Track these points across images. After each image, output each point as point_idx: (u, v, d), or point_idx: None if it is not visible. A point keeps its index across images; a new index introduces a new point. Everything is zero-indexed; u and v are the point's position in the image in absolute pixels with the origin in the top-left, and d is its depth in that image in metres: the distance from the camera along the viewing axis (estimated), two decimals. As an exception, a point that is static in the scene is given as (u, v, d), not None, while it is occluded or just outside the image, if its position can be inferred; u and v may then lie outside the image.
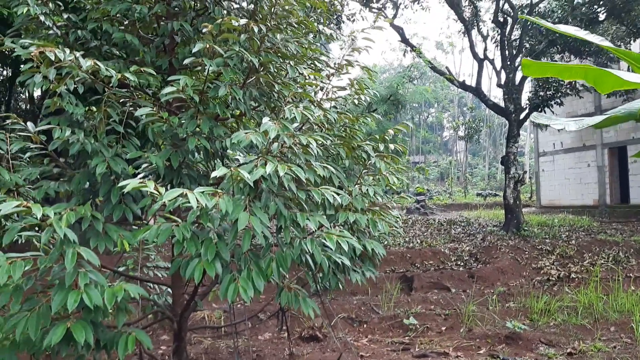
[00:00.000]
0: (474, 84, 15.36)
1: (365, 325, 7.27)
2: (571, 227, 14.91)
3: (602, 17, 13.82)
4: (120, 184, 2.47)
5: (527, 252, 11.51)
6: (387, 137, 3.73)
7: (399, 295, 8.62)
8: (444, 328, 7.10)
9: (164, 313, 3.90)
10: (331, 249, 2.80)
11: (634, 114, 2.71)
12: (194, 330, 6.36)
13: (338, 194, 2.98)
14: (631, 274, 10.07)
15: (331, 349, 6.05)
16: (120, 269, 4.56)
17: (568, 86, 13.99)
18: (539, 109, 13.66)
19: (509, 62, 14.53)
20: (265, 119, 2.81)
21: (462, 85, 15.51)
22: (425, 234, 14.00)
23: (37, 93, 13.97)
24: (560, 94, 13.73)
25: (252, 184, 2.63)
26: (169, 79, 3.19)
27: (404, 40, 16.47)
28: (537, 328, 7.14)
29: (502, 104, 14.96)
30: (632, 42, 14.82)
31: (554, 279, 9.82)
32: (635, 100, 2.70)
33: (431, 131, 48.61)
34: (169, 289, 4.25)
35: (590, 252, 11.42)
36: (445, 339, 6.65)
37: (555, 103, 13.82)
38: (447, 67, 16.39)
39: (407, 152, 3.92)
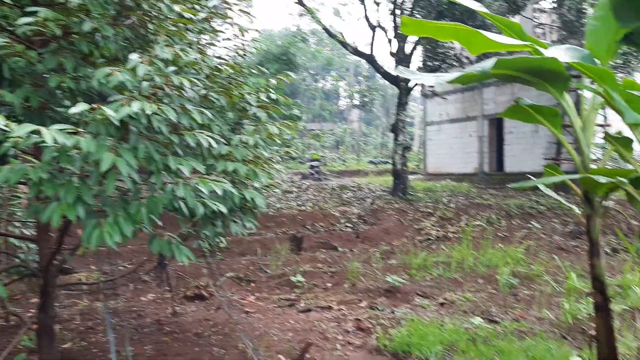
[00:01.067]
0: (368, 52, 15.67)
1: (253, 284, 7.31)
2: (452, 193, 15.90)
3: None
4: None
5: (411, 215, 12.13)
6: (269, 87, 3.68)
7: (289, 255, 8.74)
8: (329, 285, 7.32)
9: (27, 267, 3.62)
10: (206, 194, 2.72)
11: (487, 72, 2.87)
12: (70, 291, 6.03)
13: (216, 141, 2.90)
14: (500, 234, 10.99)
15: (216, 306, 6.01)
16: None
17: (454, 58, 14.72)
18: (427, 79, 14.23)
19: (400, 31, 14.95)
20: (133, 55, 2.64)
21: (356, 52, 15.77)
22: (317, 197, 14.27)
23: None
24: (446, 64, 14.42)
25: (118, 124, 2.47)
26: (28, 9, 2.88)
27: (299, 1, 16.35)
28: (414, 282, 7.59)
29: (394, 72, 15.41)
30: (511, 17, 15.84)
31: (433, 238, 10.47)
32: (489, 59, 2.85)
33: (328, 99, 49.32)
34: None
35: (467, 215, 12.27)
36: (330, 294, 6.86)
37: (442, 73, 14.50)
38: (341, 33, 16.53)
39: (289, 102, 3.89)
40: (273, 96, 3.65)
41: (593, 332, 3.97)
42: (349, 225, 11.26)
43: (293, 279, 7.26)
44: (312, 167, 21.58)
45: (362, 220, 11.72)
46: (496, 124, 20.50)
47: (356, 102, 32.68)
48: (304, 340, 4.60)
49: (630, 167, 3.44)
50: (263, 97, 3.59)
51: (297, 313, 5.98)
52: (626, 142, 3.39)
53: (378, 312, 6.11)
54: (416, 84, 14.86)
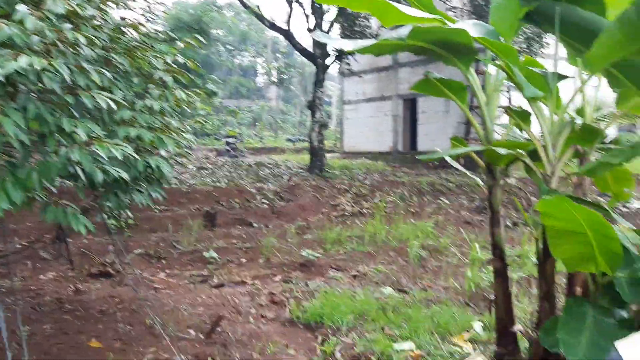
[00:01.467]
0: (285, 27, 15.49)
1: (164, 261, 7.09)
2: (368, 170, 16.24)
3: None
4: None
5: (327, 191, 12.26)
6: (176, 50, 3.50)
7: (202, 232, 8.56)
8: (244, 260, 7.25)
9: None
10: (105, 160, 2.55)
11: (403, 39, 2.89)
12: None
13: (117, 104, 2.71)
14: (412, 209, 11.38)
15: (123, 284, 5.76)
16: None
17: (371, 35, 14.89)
18: (343, 57, 14.37)
19: (318, 7, 14.87)
20: (21, 6, 2.39)
21: (273, 26, 15.55)
22: (233, 174, 14.05)
23: None
24: (363, 43, 14.53)
25: (4, 80, 2.23)
26: None
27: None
28: (329, 256, 7.68)
29: (311, 49, 15.38)
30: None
31: (348, 214, 10.65)
32: (404, 27, 2.88)
33: (245, 76, 48.50)
34: None
35: (381, 191, 12.58)
36: (244, 269, 6.79)
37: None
38: (258, 6, 16.19)
39: (198, 68, 3.73)
40: (180, 60, 3.48)
41: (493, 297, 4.19)
42: (265, 201, 11.19)
43: (206, 255, 7.11)
44: (228, 143, 21.21)
45: (278, 196, 11.68)
46: (410, 104, 21.09)
47: (274, 79, 32.36)
48: (216, 315, 4.52)
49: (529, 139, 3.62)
50: (169, 60, 3.41)
51: (210, 289, 5.87)
52: (525, 116, 3.56)
53: (292, 285, 6.13)
54: (333, 61, 14.92)
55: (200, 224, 8.88)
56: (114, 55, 3.29)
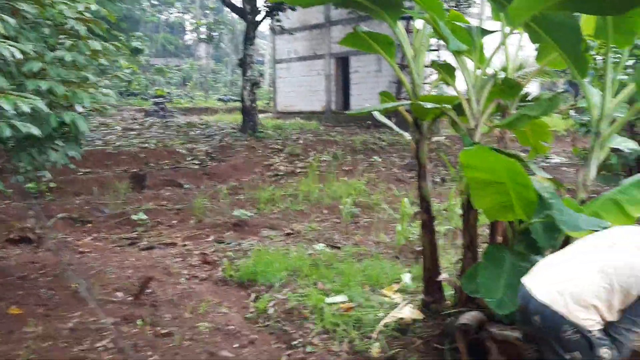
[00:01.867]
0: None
1: (89, 225, 6.82)
2: (301, 130, 16.18)
3: None
4: None
5: (260, 151, 12.14)
6: (89, -2, 3.25)
7: (130, 194, 8.28)
8: (174, 221, 7.10)
9: None
10: (12, 113, 2.36)
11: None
12: None
13: (25, 54, 2.50)
14: (345, 168, 11.49)
15: (45, 249, 5.50)
16: None
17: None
18: (274, 13, 14.03)
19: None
20: None
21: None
22: (162, 135, 13.59)
23: None
24: (295, 0, 14.22)
25: None
26: None
27: None
28: (262, 215, 7.67)
29: (241, 4, 14.89)
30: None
31: (282, 173, 10.62)
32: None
33: (173, 33, 46.48)
34: None
35: (315, 151, 12.59)
36: (175, 231, 6.66)
37: (290, 8, 14.32)
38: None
39: (112, 16, 3.49)
40: (93, 7, 3.24)
41: (420, 249, 4.33)
42: (196, 162, 10.94)
43: (134, 217, 6.90)
44: (156, 103, 20.41)
45: (210, 157, 11.45)
46: (343, 63, 21.02)
47: (203, 37, 31.24)
48: (145, 277, 4.41)
49: (454, 94, 3.69)
50: (81, 7, 3.16)
51: (139, 251, 5.73)
52: (450, 70, 3.62)
53: (225, 245, 6.09)
54: (264, 18, 14.54)
55: (128, 187, 8.59)
56: (21, 3, 3.02)
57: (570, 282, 2.37)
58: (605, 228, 2.58)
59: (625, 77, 4.51)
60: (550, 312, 2.34)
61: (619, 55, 3.42)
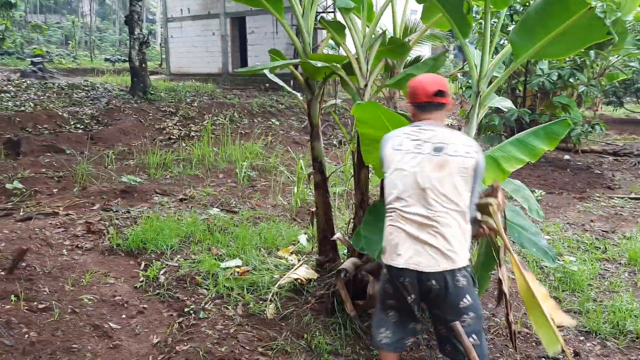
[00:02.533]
0: None
1: (-46, 197, 6.14)
2: (196, 93, 15.58)
3: None
4: None
5: (151, 114, 11.55)
6: None
7: (3, 161, 7.54)
8: (55, 190, 6.59)
9: None
10: None
11: None
12: None
13: None
14: (242, 131, 11.28)
15: None
16: None
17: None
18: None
19: None
20: None
21: None
22: (41, 97, 12.44)
23: None
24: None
25: None
26: None
27: None
28: (153, 181, 7.34)
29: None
30: None
31: (175, 137, 10.21)
32: None
33: (52, -13, 42.57)
34: None
35: (210, 114, 12.21)
36: (56, 200, 6.18)
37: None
38: None
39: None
40: None
41: (314, 209, 4.35)
42: (80, 126, 10.17)
43: (9, 186, 6.31)
44: (34, 63, 18.66)
45: (95, 121, 10.69)
46: (238, 23, 20.41)
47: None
48: (19, 249, 4.05)
49: (343, 53, 3.67)
50: None
51: (14, 222, 5.25)
52: (339, 28, 3.58)
53: (112, 213, 5.76)
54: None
55: (1, 153, 7.83)
56: None
57: (455, 240, 2.49)
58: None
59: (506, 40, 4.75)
60: (446, 272, 2.45)
61: (498, 17, 3.56)
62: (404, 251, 2.49)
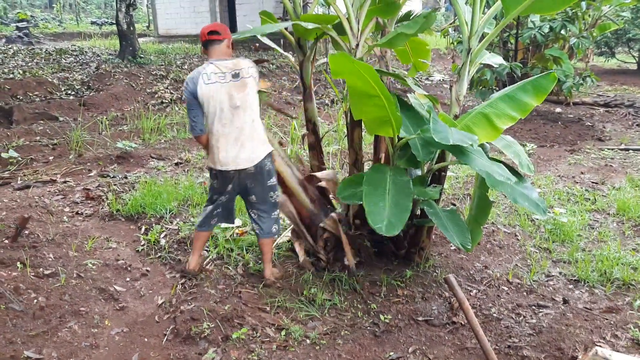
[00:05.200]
0: None
1: (-50, 167, 6.15)
2: (186, 55, 15.38)
3: None
4: None
5: (142, 78, 11.44)
6: None
7: (-4, 131, 7.52)
8: (51, 158, 6.61)
9: None
10: None
11: None
12: None
13: None
14: (234, 93, 11.20)
15: None
16: None
17: None
18: None
19: None
20: None
21: None
22: (30, 64, 12.28)
23: None
24: None
25: None
26: None
27: None
28: (148, 146, 7.36)
29: None
30: None
31: (167, 101, 10.14)
32: None
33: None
34: None
35: (201, 76, 12.08)
36: (52, 167, 6.22)
37: None
38: None
39: None
40: None
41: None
42: (71, 92, 10.08)
43: (4, 155, 6.31)
44: (18, 29, 18.26)
45: (86, 86, 10.59)
46: (226, -18, 19.98)
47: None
48: (21, 217, 4.11)
49: (334, 13, 3.66)
50: None
51: (13, 191, 5.29)
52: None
53: (110, 179, 5.81)
54: None
55: (-7, 122, 7.80)
56: None
57: (258, 139, 3.44)
58: (472, 141, 2.76)
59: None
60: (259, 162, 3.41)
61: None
62: (227, 157, 3.35)
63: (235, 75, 3.30)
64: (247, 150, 3.37)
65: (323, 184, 3.93)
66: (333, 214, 3.94)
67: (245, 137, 3.36)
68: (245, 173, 3.43)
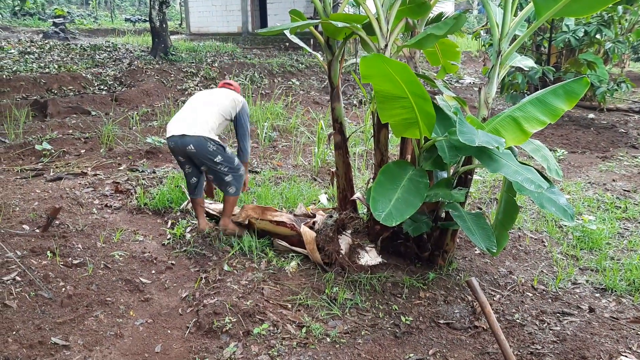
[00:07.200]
0: None
1: (-13, 157, 6.35)
2: (217, 53, 15.55)
3: None
4: None
5: (173, 75, 11.61)
6: None
7: (31, 123, 7.74)
8: (83, 151, 6.77)
9: None
10: None
11: None
12: None
13: None
14: (263, 91, 11.31)
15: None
16: None
17: None
18: None
19: None
20: None
21: None
22: (65, 59, 12.59)
23: None
24: None
25: None
26: None
27: None
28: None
29: None
30: None
31: (197, 98, 10.25)
32: None
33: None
34: None
35: (231, 74, 12.23)
36: (84, 160, 6.37)
37: None
38: None
39: None
40: None
41: (334, 169, 4.43)
42: (104, 87, 10.31)
43: (38, 147, 6.50)
44: (55, 24, 18.73)
45: (119, 82, 10.81)
46: (258, -19, 20.12)
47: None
48: (53, 208, 4.23)
49: (364, 13, 3.66)
50: None
51: (45, 183, 5.44)
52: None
53: (138, 173, 5.92)
54: None
55: (29, 115, 8.02)
56: None
57: (204, 121, 4.00)
58: (499, 144, 2.73)
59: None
60: (199, 138, 3.90)
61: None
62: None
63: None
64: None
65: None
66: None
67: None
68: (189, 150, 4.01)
